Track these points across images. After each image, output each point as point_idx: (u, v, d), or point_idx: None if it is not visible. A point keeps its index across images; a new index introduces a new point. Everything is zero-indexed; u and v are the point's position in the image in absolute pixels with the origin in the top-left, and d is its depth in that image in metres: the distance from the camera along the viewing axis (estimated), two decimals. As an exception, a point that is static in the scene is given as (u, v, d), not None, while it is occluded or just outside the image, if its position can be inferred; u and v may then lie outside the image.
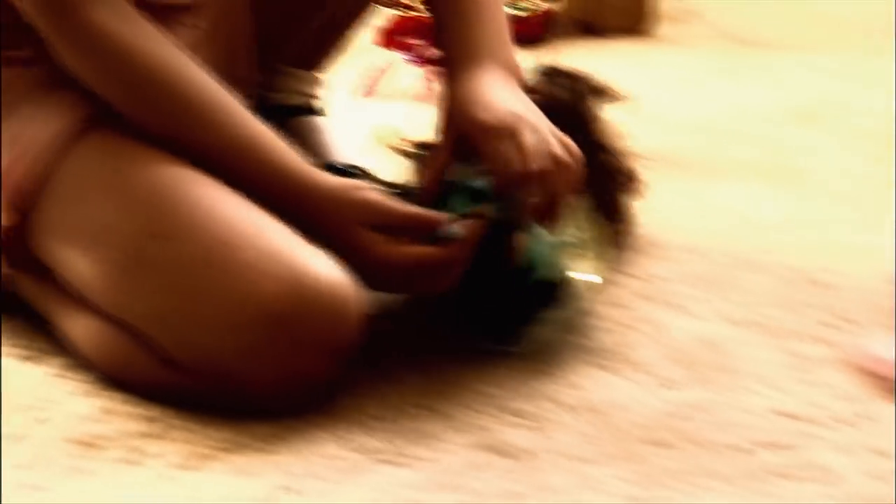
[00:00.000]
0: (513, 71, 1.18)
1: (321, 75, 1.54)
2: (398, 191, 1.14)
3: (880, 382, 1.07)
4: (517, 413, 1.04)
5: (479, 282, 1.08)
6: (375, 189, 1.08)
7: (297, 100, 1.52)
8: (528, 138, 1.10)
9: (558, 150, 1.11)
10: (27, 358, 1.12)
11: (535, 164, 1.09)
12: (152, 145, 1.06)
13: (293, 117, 1.51)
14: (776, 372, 1.10)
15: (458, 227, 1.06)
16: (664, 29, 2.37)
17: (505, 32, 1.21)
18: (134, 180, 1.04)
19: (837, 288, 1.26)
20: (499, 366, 1.11)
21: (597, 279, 1.20)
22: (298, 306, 0.99)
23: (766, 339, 1.16)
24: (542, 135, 1.11)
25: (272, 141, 1.07)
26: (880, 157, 1.64)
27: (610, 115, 1.40)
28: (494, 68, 1.16)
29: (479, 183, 1.10)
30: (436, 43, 1.22)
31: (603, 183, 1.30)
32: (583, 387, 1.08)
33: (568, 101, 1.30)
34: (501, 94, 1.14)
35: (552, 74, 1.33)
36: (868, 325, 1.18)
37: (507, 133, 1.10)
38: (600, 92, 1.34)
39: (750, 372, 1.10)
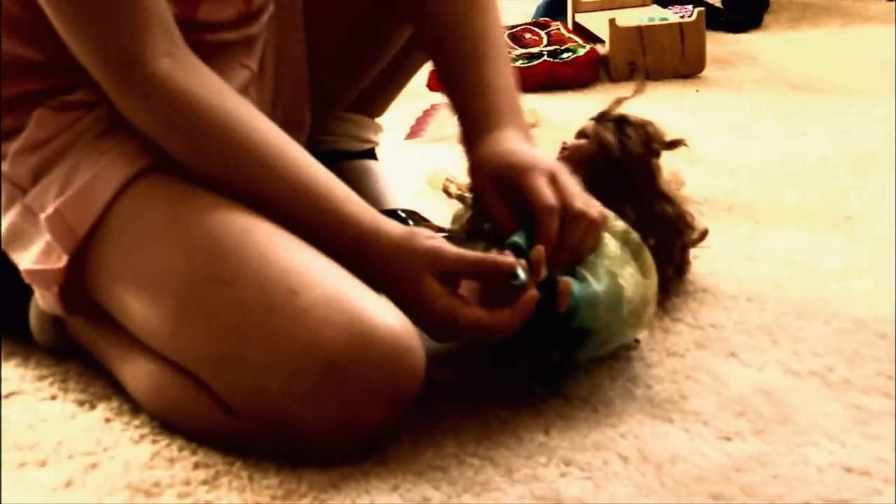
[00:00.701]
0: (528, 135, 1.18)
1: (375, 119, 1.55)
2: (454, 236, 1.14)
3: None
4: (573, 463, 1.03)
5: (525, 326, 1.07)
6: (437, 235, 1.08)
7: (350, 144, 1.54)
8: (567, 180, 1.11)
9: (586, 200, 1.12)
10: (82, 403, 1.12)
11: (578, 202, 1.10)
12: (208, 189, 1.07)
13: (347, 161, 1.52)
14: (838, 425, 1.08)
15: (524, 273, 1.06)
16: (716, 73, 2.36)
17: (517, 96, 1.21)
18: (191, 224, 1.05)
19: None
20: (556, 414, 1.10)
21: (639, 334, 1.20)
22: (358, 353, 0.98)
23: (826, 390, 1.15)
24: (575, 183, 1.12)
25: (336, 187, 1.08)
26: (937, 204, 1.63)
27: (668, 162, 1.40)
28: (516, 131, 1.16)
29: (517, 237, 1.09)
30: (454, 110, 1.22)
31: (663, 232, 1.30)
32: (640, 437, 1.07)
33: (629, 148, 1.30)
34: (530, 149, 1.15)
35: (612, 121, 1.33)
36: (930, 378, 1.16)
37: (547, 172, 1.11)
38: (661, 139, 1.34)
39: (811, 424, 1.08)
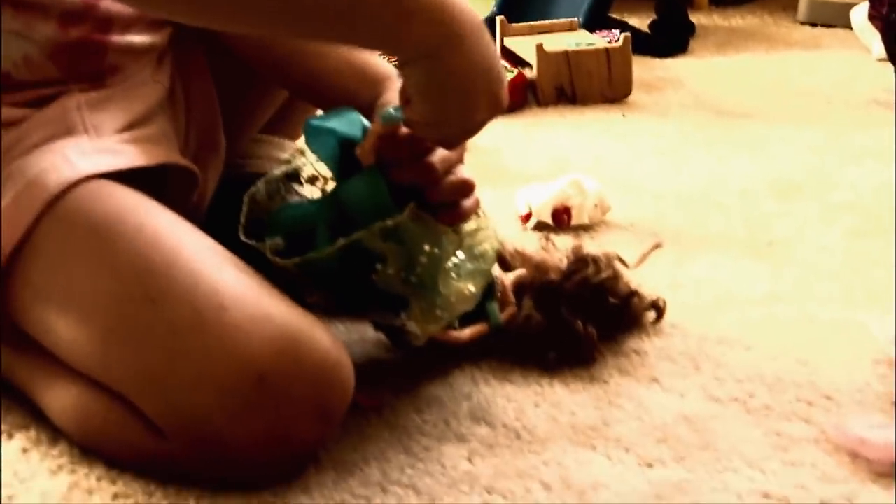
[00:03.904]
0: None
1: (292, 141, 1.55)
2: None
3: (864, 464, 1.07)
4: (495, 490, 1.04)
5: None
6: None
7: (269, 166, 1.54)
8: None
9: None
10: (-1, 433, 1.11)
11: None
12: (136, 207, 1.07)
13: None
14: (759, 451, 1.10)
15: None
16: (643, 97, 2.40)
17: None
18: (118, 243, 1.04)
19: (817, 365, 1.27)
20: (480, 441, 1.11)
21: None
22: (289, 367, 0.99)
23: (747, 416, 1.17)
24: None
25: None
26: (860, 231, 1.66)
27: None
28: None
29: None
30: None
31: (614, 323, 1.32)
32: (563, 464, 1.08)
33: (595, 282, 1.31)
34: None
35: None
36: (849, 404, 1.19)
37: None
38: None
39: (732, 451, 1.10)
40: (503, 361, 1.26)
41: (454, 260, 1.15)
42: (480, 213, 1.19)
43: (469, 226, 1.17)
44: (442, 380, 1.23)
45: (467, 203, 1.11)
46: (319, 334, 1.02)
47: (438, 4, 0.97)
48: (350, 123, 1.10)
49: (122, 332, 1.03)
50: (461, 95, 1.00)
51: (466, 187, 1.10)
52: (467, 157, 1.14)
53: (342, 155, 1.08)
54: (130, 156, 1.14)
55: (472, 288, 1.16)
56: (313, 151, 1.13)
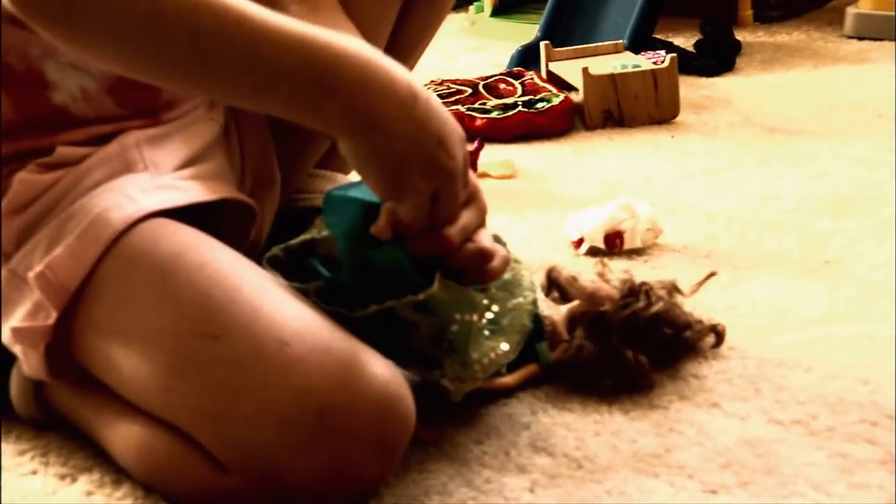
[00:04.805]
0: None
1: (346, 175, 1.56)
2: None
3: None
4: (560, 521, 1.04)
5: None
6: None
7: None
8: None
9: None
10: (63, 476, 1.12)
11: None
12: (198, 246, 1.08)
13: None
14: (824, 475, 1.09)
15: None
16: (691, 117, 2.39)
17: None
18: (180, 280, 1.06)
19: (878, 384, 1.25)
20: (541, 472, 1.11)
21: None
22: (349, 401, 0.99)
23: (811, 439, 1.16)
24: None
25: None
26: (916, 247, 1.65)
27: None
28: None
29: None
30: None
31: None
32: (625, 492, 1.08)
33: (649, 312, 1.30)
34: None
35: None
36: (913, 423, 1.18)
37: None
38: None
39: (797, 475, 1.09)
40: (561, 390, 1.26)
41: (487, 317, 1.15)
42: (513, 261, 1.19)
43: (502, 279, 1.16)
44: (500, 410, 1.23)
45: (493, 265, 1.11)
46: (378, 367, 1.02)
47: (362, 84, 0.98)
48: (372, 192, 1.11)
49: (184, 367, 1.04)
50: (391, 170, 1.01)
51: (484, 256, 1.10)
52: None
53: (366, 222, 1.08)
54: (191, 192, 1.15)
55: (505, 346, 1.16)
56: (328, 225, 1.13)
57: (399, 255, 1.07)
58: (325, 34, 0.99)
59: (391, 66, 1.01)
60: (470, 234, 1.09)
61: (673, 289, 1.34)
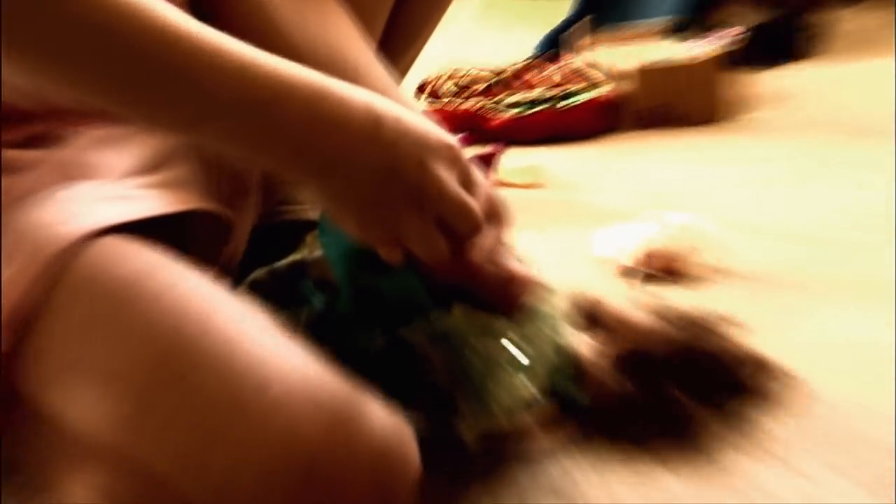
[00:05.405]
0: None
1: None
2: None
3: None
4: None
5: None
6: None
7: (311, 214, 1.56)
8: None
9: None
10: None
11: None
12: (163, 265, 1.09)
13: (309, 232, 1.54)
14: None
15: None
16: (752, 116, 2.39)
17: None
18: (144, 307, 1.06)
19: None
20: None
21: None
22: (342, 450, 1.00)
23: (898, 505, 1.16)
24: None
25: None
26: None
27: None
28: None
29: None
30: None
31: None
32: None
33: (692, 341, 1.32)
34: None
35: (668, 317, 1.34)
36: None
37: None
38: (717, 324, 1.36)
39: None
40: (595, 439, 1.27)
41: (509, 350, 1.16)
42: (541, 286, 1.20)
43: (526, 306, 1.17)
44: (522, 461, 1.23)
45: (519, 291, 1.12)
46: (378, 412, 1.03)
47: (309, 118, 1.00)
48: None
49: (151, 409, 1.04)
50: (366, 211, 1.03)
51: (509, 280, 1.11)
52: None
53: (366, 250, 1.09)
54: (150, 202, 1.16)
55: (529, 385, 1.17)
56: (323, 245, 1.14)
57: (413, 282, 1.08)
58: (269, 60, 1.00)
59: (343, 91, 1.01)
60: (492, 254, 1.10)
61: (731, 322, 1.35)
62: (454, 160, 1.05)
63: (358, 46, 1.27)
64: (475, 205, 1.07)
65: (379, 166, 1.01)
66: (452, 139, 1.06)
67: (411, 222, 1.03)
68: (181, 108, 0.99)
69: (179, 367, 1.03)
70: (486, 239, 1.09)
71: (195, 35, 0.98)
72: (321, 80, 1.02)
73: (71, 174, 1.17)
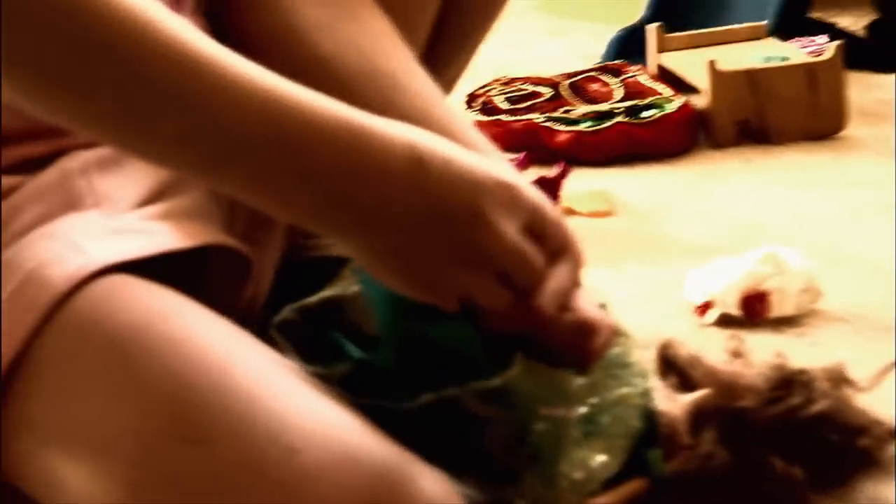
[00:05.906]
0: None
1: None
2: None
3: None
4: None
5: None
6: None
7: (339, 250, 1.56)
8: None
9: None
10: None
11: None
12: (167, 309, 1.09)
13: (340, 268, 1.55)
14: None
15: None
16: (863, 131, 2.39)
17: None
18: (147, 362, 1.05)
19: None
20: None
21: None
22: None
23: None
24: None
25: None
26: None
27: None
28: None
29: None
30: None
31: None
32: None
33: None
34: None
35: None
36: None
37: None
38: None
39: None
40: (681, 514, 1.26)
41: (581, 413, 1.16)
42: (621, 334, 1.19)
43: (604, 359, 1.17)
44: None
45: (598, 341, 1.11)
46: (428, 483, 1.02)
47: (347, 163, 0.98)
48: None
49: (151, 482, 1.04)
50: (411, 270, 1.02)
51: (586, 329, 1.10)
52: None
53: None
54: (159, 237, 1.16)
55: (603, 456, 1.16)
56: (364, 285, 1.13)
57: (469, 332, 1.07)
58: (295, 91, 0.98)
59: (382, 128, 0.99)
60: (564, 298, 1.09)
61: (841, 377, 1.34)
62: (515, 202, 1.03)
63: (396, 55, 1.27)
64: (539, 259, 1.06)
65: (425, 218, 0.99)
66: (513, 175, 1.04)
67: (459, 281, 1.02)
68: (195, 146, 0.97)
69: (189, 431, 1.03)
70: (556, 281, 1.08)
71: (213, 57, 0.97)
72: (355, 115, 0.99)
73: (66, 203, 1.17)
